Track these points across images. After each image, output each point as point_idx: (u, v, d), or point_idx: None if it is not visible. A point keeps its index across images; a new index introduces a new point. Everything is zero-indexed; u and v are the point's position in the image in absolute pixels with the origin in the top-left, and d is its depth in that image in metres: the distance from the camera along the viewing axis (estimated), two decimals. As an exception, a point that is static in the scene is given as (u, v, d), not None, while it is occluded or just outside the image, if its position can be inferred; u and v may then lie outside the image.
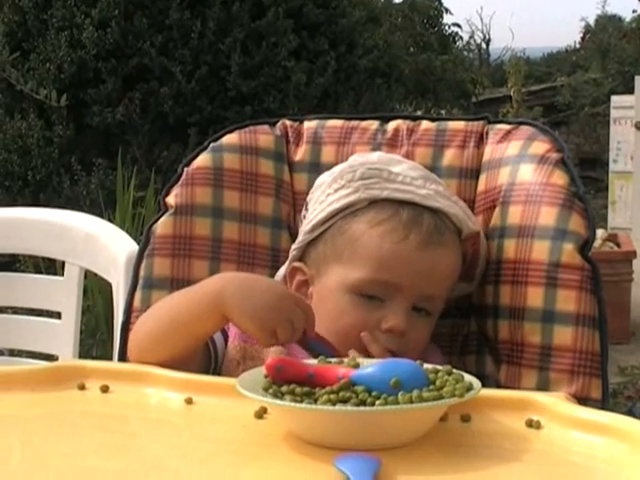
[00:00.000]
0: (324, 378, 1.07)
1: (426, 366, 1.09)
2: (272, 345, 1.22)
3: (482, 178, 1.42)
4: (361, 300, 1.28)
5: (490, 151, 1.42)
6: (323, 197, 1.35)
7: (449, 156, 1.44)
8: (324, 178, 1.37)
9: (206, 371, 1.28)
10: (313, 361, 1.16)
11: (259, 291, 1.20)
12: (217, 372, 1.30)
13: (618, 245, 5.13)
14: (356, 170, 1.33)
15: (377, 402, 1.00)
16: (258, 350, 1.30)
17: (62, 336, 1.84)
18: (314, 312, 1.23)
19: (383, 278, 1.27)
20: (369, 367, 1.08)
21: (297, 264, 1.36)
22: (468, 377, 1.07)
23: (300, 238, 1.37)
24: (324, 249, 1.33)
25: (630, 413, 1.07)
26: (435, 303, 1.31)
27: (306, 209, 1.39)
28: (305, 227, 1.36)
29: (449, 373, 1.07)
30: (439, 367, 1.09)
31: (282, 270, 1.40)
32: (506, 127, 1.43)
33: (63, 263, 1.88)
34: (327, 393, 1.03)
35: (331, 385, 1.04)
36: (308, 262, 1.35)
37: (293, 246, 1.38)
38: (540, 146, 1.37)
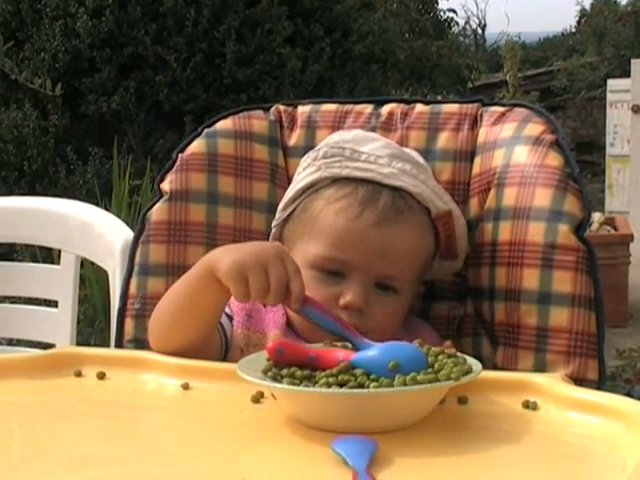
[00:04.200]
0: (325, 361, 1.07)
1: (433, 349, 1.09)
2: (246, 301, 1.17)
3: (477, 160, 1.42)
4: (322, 276, 1.28)
5: (484, 133, 1.42)
6: (296, 175, 1.38)
7: (443, 139, 1.44)
8: (304, 156, 1.39)
9: (219, 357, 1.28)
10: (317, 345, 1.15)
11: (243, 245, 1.21)
12: (225, 358, 1.30)
13: (615, 228, 5.14)
14: (320, 149, 1.34)
15: (372, 385, 1.00)
16: (260, 337, 1.30)
17: (59, 324, 1.84)
18: None
19: (337, 255, 1.27)
20: (370, 350, 1.08)
21: (274, 243, 1.37)
22: (470, 360, 1.07)
23: (276, 216, 1.39)
24: (293, 227, 1.35)
25: (628, 396, 1.08)
26: (400, 282, 1.30)
27: None
28: (280, 205, 1.38)
29: (450, 356, 1.06)
30: (446, 350, 1.08)
31: None
32: (500, 109, 1.43)
33: (59, 252, 1.88)
34: (326, 376, 1.03)
35: (332, 368, 1.04)
36: (284, 240, 1.36)
37: (273, 223, 1.39)
38: (534, 128, 1.37)
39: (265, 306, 1.31)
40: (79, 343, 1.89)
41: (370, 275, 1.27)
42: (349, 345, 1.14)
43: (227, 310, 1.31)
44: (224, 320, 1.30)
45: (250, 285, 1.13)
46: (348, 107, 1.51)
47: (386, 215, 1.28)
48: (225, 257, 1.17)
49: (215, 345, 1.27)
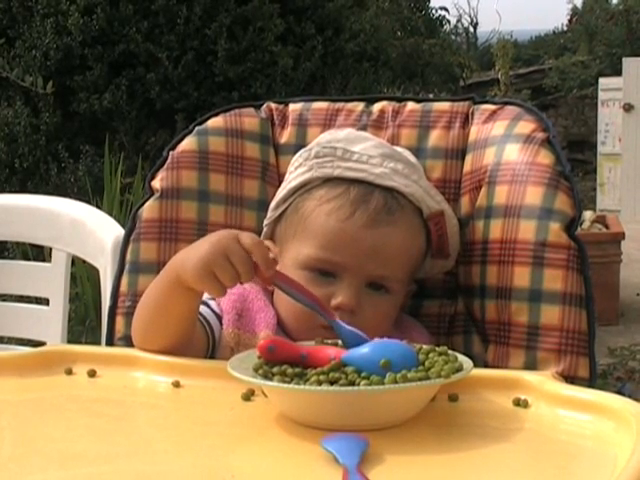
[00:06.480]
0: (317, 359, 1.07)
1: (424, 347, 1.09)
2: (223, 294, 1.18)
3: (468, 158, 1.42)
4: (313, 276, 1.27)
5: (476, 131, 1.42)
6: (287, 175, 1.37)
7: (435, 137, 1.44)
8: (296, 155, 1.38)
9: (205, 355, 1.28)
10: (309, 342, 1.15)
11: (198, 244, 1.18)
12: (213, 357, 1.30)
13: (607, 227, 5.15)
14: (312, 148, 1.34)
15: (362, 382, 1.00)
16: (251, 337, 1.29)
17: (50, 322, 1.84)
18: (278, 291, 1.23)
19: (328, 256, 1.27)
20: (361, 348, 1.07)
21: (266, 242, 1.36)
22: (462, 358, 1.07)
23: (268, 215, 1.39)
24: (285, 227, 1.34)
25: (619, 394, 1.08)
26: (391, 282, 1.29)
27: None
28: (271, 204, 1.38)
29: (441, 354, 1.06)
30: (437, 348, 1.08)
31: None
32: (491, 107, 1.43)
33: (50, 250, 1.87)
34: (317, 374, 1.03)
35: (323, 366, 1.04)
36: (275, 240, 1.36)
37: (264, 222, 1.39)
38: (526, 126, 1.37)
39: (256, 306, 1.31)
40: (70, 341, 1.89)
41: (362, 276, 1.27)
42: (340, 343, 1.14)
43: (216, 309, 1.31)
44: (212, 319, 1.30)
45: (219, 278, 1.14)
46: (339, 105, 1.51)
47: (378, 216, 1.28)
48: (187, 263, 1.17)
49: (199, 345, 1.27)
